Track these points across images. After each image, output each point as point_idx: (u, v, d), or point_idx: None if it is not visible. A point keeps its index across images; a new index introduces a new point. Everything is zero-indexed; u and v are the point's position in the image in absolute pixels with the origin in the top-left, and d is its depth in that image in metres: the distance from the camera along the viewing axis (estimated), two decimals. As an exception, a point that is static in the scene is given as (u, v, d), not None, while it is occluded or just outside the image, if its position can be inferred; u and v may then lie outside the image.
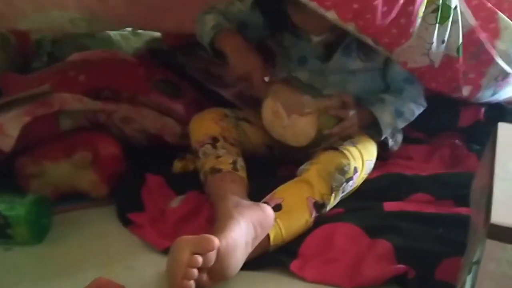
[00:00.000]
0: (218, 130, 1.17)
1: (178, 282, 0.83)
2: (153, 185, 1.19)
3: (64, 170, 1.14)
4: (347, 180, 1.08)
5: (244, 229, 0.92)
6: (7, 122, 1.07)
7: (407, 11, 1.07)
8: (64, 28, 1.32)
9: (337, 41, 1.21)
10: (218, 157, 1.12)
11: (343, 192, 1.10)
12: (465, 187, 1.10)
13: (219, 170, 1.09)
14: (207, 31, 1.24)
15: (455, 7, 1.14)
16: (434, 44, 1.14)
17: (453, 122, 1.43)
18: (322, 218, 1.06)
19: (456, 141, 1.37)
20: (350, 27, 1.08)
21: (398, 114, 1.25)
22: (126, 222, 1.11)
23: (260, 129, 1.23)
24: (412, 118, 1.29)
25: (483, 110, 1.43)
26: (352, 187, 1.12)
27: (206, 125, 1.18)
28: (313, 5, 1.04)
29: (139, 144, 1.30)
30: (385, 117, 1.23)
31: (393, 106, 1.24)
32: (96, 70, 1.35)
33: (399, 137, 1.35)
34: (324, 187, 1.05)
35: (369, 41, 1.12)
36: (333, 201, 1.08)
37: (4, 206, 1.01)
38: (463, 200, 1.08)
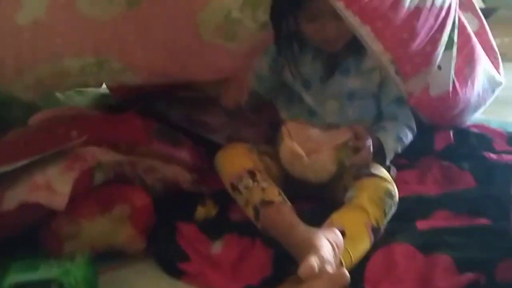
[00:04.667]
0: (251, 163, 1.17)
1: None
2: (189, 234, 1.15)
3: (101, 227, 1.06)
4: (395, 204, 1.14)
5: (329, 247, 0.94)
6: (54, 179, 0.98)
7: (434, 38, 1.16)
8: (67, 78, 1.23)
9: (336, 62, 1.32)
10: (263, 189, 1.12)
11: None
12: (475, 201, 1.22)
13: (271, 202, 1.09)
14: None
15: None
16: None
17: (430, 146, 1.53)
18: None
19: (444, 162, 1.47)
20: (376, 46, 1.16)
21: (399, 139, 1.35)
22: (177, 274, 1.06)
23: (278, 163, 1.24)
24: (407, 143, 1.39)
25: (451, 133, 1.57)
26: (393, 212, 1.16)
27: (238, 159, 1.18)
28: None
29: (156, 194, 1.25)
30: (390, 143, 1.32)
31: (395, 132, 1.34)
32: (84, 124, 1.28)
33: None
34: (378, 212, 1.09)
35: (391, 68, 1.19)
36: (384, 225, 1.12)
37: (58, 271, 0.92)
38: (478, 213, 1.19)
